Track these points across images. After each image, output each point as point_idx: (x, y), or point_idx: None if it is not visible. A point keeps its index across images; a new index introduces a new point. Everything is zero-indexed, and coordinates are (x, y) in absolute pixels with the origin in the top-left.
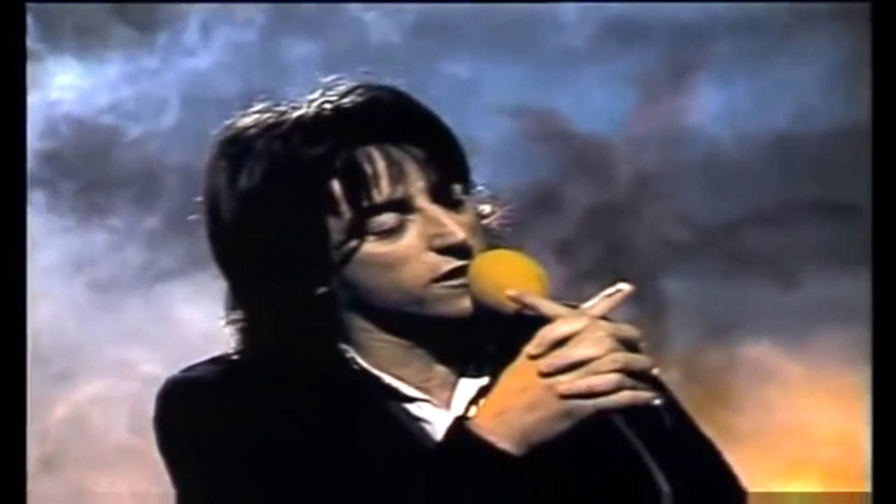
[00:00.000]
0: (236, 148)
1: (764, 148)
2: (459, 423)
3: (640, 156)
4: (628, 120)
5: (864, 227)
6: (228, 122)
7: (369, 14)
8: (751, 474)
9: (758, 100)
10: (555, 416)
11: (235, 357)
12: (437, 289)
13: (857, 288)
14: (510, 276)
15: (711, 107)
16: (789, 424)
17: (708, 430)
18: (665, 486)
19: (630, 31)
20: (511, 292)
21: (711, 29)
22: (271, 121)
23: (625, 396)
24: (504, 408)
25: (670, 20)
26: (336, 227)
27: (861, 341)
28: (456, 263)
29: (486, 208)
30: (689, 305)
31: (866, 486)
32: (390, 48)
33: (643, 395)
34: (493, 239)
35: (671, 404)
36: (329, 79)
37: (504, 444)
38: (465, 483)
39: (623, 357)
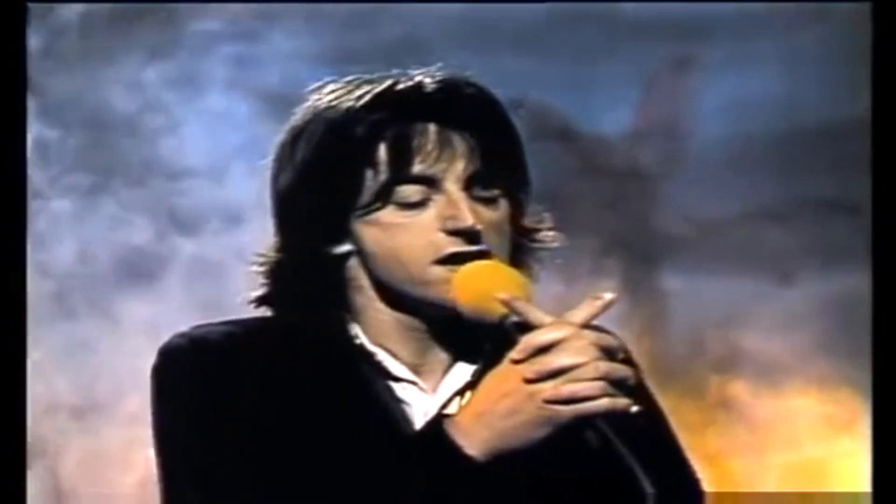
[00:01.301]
0: (310, 112)
1: (763, 144)
2: (438, 419)
3: (640, 153)
4: (629, 117)
5: (862, 223)
6: (317, 85)
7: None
8: (749, 470)
9: (757, 96)
10: (534, 422)
11: (243, 321)
12: (437, 271)
13: (855, 284)
14: (495, 284)
15: (711, 104)
16: (789, 421)
17: (707, 426)
18: (649, 488)
19: (631, 28)
20: (503, 295)
21: (711, 26)
22: (350, 89)
23: (604, 403)
24: (485, 410)
25: (671, 18)
26: (370, 188)
27: (861, 337)
28: (461, 248)
29: (534, 224)
30: (688, 301)
31: (866, 486)
32: (389, 43)
33: (622, 401)
34: (528, 255)
35: (651, 407)
36: (424, 69)
37: (474, 449)
38: (428, 478)
39: (605, 366)
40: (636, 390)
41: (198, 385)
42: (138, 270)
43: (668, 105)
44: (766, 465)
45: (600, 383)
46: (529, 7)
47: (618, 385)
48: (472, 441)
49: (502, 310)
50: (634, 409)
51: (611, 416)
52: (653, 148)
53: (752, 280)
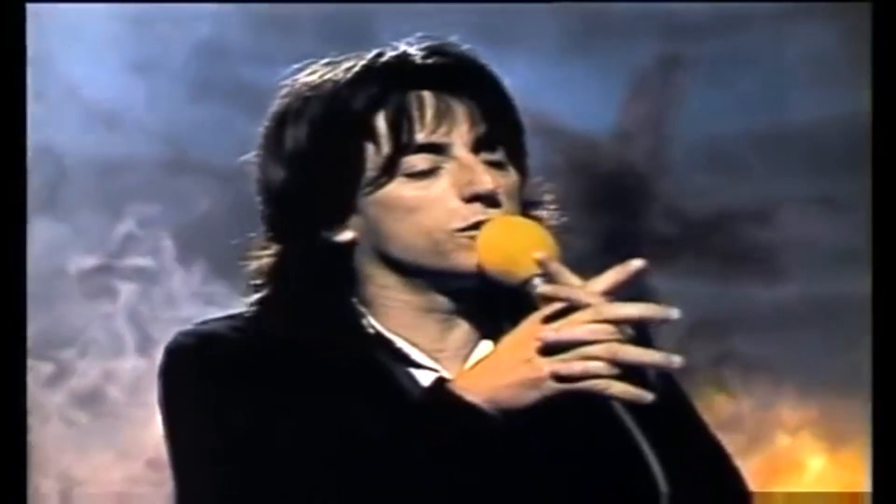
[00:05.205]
0: (292, 96)
1: (756, 143)
2: (441, 380)
3: (629, 151)
4: (618, 115)
5: (855, 223)
6: (298, 67)
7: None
8: (745, 472)
9: (749, 95)
10: (524, 384)
11: (248, 315)
12: (460, 238)
13: (849, 283)
14: (525, 243)
15: (703, 102)
16: (783, 421)
17: None
18: (664, 487)
19: (622, 26)
20: (539, 255)
21: (703, 24)
22: (333, 67)
23: (599, 384)
24: (482, 369)
25: (662, 15)
26: (373, 163)
27: (854, 336)
28: (483, 215)
29: (538, 197)
30: (678, 301)
31: (866, 486)
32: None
33: (618, 387)
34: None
35: (677, 399)
36: (405, 40)
37: (474, 398)
38: (440, 435)
39: (616, 347)
40: (650, 379)
41: (210, 383)
42: None
43: (656, 103)
44: (762, 467)
45: (603, 364)
46: (516, 4)
47: (626, 368)
48: (464, 394)
49: (528, 271)
50: (626, 396)
51: (604, 398)
52: (640, 147)
53: (744, 279)
